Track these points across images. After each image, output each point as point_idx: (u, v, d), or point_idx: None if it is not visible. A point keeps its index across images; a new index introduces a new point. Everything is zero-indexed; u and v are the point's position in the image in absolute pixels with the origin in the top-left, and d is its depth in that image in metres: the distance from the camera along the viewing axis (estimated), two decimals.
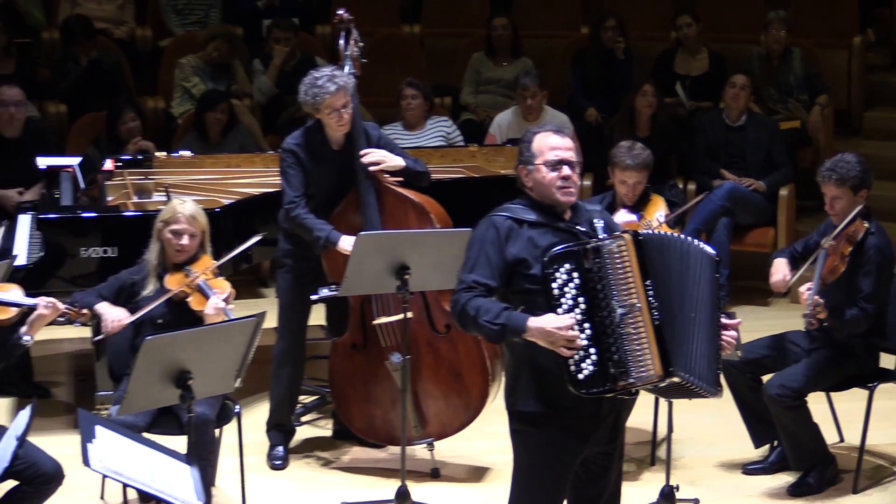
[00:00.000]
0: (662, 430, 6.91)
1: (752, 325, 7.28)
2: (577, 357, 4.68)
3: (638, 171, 7.08)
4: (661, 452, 6.83)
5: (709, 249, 4.87)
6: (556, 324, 4.66)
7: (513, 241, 4.83)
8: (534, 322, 4.68)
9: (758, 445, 7.07)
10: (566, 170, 4.86)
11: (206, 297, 6.35)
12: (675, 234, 4.88)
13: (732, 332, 4.96)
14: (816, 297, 6.35)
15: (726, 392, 6.89)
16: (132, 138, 9.25)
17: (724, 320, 4.92)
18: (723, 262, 9.03)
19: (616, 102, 10.34)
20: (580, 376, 4.70)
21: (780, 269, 6.77)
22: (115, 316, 6.37)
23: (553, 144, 4.90)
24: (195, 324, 6.27)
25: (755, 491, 6.92)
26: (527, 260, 4.80)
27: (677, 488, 6.46)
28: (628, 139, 7.54)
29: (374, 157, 6.90)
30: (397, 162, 6.95)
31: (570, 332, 4.65)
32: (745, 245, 9.68)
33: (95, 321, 6.44)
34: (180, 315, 6.38)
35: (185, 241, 6.46)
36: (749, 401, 6.95)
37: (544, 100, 9.90)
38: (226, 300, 6.34)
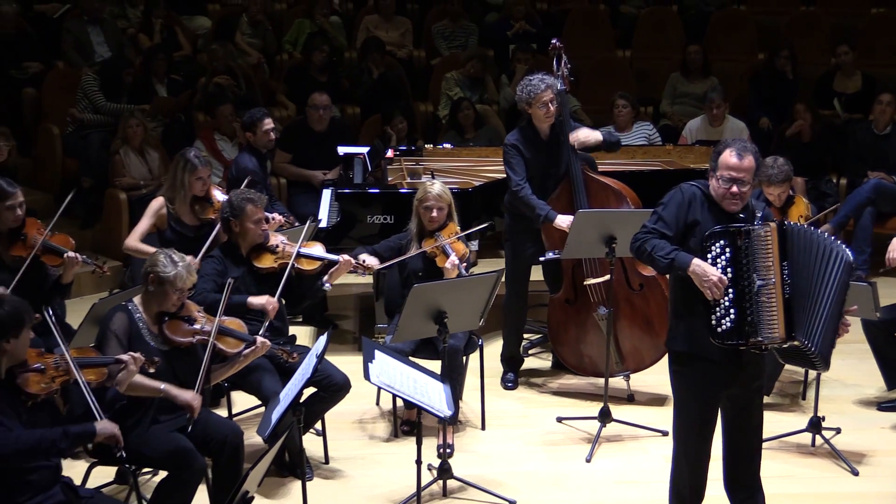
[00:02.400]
0: (812, 372, 6.72)
1: (889, 293, 7.05)
2: (719, 314, 4.64)
3: (780, 184, 6.91)
4: (811, 390, 6.65)
5: (850, 256, 4.65)
6: (712, 270, 4.61)
7: (694, 207, 4.76)
8: (697, 261, 4.64)
9: (891, 387, 6.86)
10: (735, 188, 4.71)
11: (448, 256, 6.42)
12: (826, 234, 4.71)
13: (849, 322, 4.77)
14: None
15: (864, 343, 6.73)
16: (401, 137, 9.35)
17: (846, 309, 4.73)
18: (867, 242, 8.92)
19: (784, 113, 10.07)
20: (719, 329, 4.67)
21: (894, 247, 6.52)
22: (372, 261, 6.49)
23: (730, 165, 4.71)
24: (442, 277, 6.36)
25: (887, 424, 6.73)
26: (701, 225, 4.73)
27: (823, 419, 6.36)
28: (795, 143, 7.33)
29: (579, 137, 6.85)
30: (596, 137, 6.90)
31: (719, 282, 4.58)
32: (886, 229, 9.32)
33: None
34: (433, 270, 6.49)
35: (434, 213, 6.54)
36: (884, 351, 6.75)
37: (727, 110, 9.70)
38: (460, 259, 6.40)
